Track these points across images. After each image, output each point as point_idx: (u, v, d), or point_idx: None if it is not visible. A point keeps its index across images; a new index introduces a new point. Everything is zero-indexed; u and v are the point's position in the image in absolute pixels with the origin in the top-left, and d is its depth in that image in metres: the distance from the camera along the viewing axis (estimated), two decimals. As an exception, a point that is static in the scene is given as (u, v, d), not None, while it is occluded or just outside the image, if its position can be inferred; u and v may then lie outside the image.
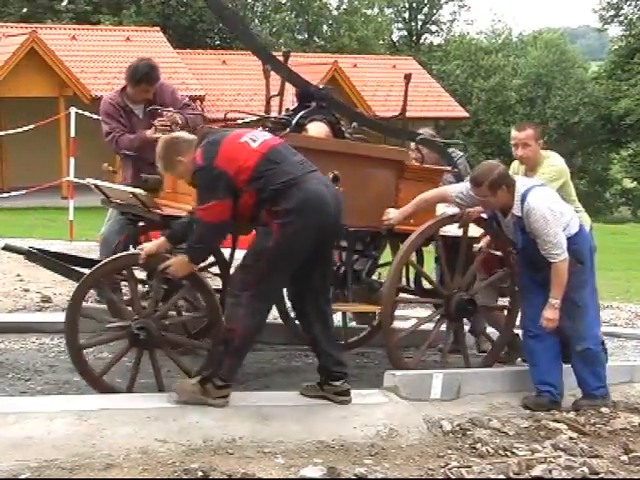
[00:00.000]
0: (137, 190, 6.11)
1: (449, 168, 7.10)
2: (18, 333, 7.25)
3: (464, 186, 6.28)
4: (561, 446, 5.38)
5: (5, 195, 21.73)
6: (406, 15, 55.93)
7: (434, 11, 56.18)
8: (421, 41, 55.99)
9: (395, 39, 55.97)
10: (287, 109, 6.67)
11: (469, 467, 4.97)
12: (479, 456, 5.22)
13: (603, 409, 6.16)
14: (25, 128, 19.63)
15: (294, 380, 6.53)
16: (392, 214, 6.41)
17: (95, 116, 15.02)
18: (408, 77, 7.02)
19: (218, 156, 5.27)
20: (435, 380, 6.07)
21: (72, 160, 14.33)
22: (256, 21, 47.15)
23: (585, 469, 4.97)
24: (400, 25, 56.65)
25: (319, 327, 5.61)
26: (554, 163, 6.79)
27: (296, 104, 6.66)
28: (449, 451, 5.29)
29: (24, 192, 19.76)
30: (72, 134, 15.54)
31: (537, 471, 4.94)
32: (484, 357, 6.86)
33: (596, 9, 52.30)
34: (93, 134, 12.50)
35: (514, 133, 6.79)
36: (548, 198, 6.06)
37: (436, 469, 4.96)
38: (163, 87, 7.42)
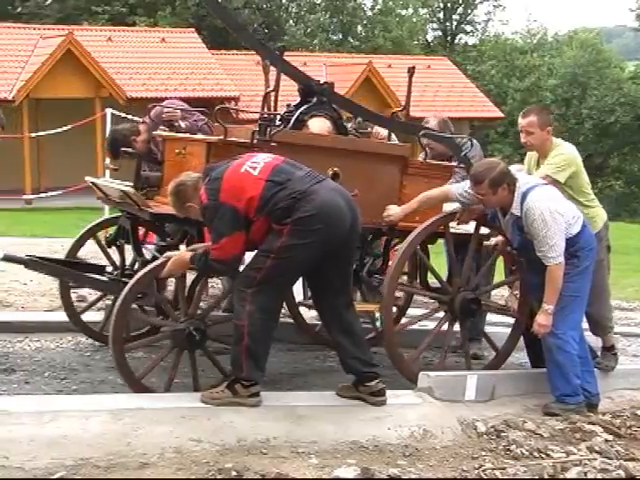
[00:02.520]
0: (128, 188, 6.13)
1: (455, 163, 6.92)
2: (54, 332, 7.30)
3: (467, 184, 6.18)
4: (596, 448, 5.34)
5: (42, 195, 21.97)
6: (441, 15, 55.72)
7: (469, 11, 55.93)
8: (456, 41, 55.75)
9: (429, 39, 55.76)
10: (288, 105, 6.58)
11: (503, 469, 4.95)
12: (513, 458, 5.19)
13: (578, 417, 5.95)
14: (62, 129, 19.81)
15: (328, 380, 6.54)
16: (393, 211, 6.34)
17: (130, 116, 15.13)
18: (411, 70, 6.87)
19: (222, 191, 5.22)
20: (469, 381, 6.05)
21: (108, 160, 14.40)
22: (290, 22, 47.19)
23: (621, 472, 4.93)
24: (435, 25, 56.45)
25: (339, 329, 5.57)
26: (562, 152, 6.53)
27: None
28: (483, 453, 5.27)
29: (60, 192, 19.96)
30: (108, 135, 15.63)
31: (572, 473, 4.91)
32: (488, 363, 6.77)
33: (633, 8, 51.91)
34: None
35: (519, 119, 6.61)
36: (549, 198, 5.93)
37: (470, 470, 4.93)
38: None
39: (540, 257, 5.90)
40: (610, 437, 5.65)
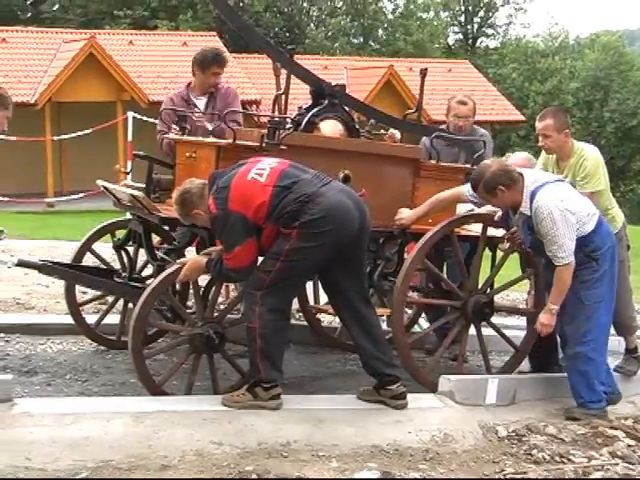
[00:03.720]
0: (136, 192, 6.14)
1: (468, 165, 6.77)
2: (76, 335, 7.33)
3: None
4: (619, 453, 5.31)
5: (64, 198, 22.07)
6: (462, 18, 55.62)
7: (490, 14, 55.78)
8: (477, 44, 55.61)
9: (451, 42, 55.67)
10: (300, 107, 6.55)
11: (524, 473, 4.94)
12: (535, 462, 5.17)
13: (600, 422, 5.88)
14: (84, 132, 19.90)
15: (349, 384, 6.53)
16: (405, 214, 6.29)
17: (152, 120, 15.19)
18: (424, 72, 6.84)
19: (230, 200, 5.21)
20: (490, 385, 6.02)
21: (129, 164, 14.50)
22: (311, 25, 47.23)
23: (643, 477, 4.91)
24: (456, 29, 56.35)
25: (360, 331, 5.56)
26: (586, 157, 6.42)
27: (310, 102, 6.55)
28: (504, 457, 5.25)
29: (82, 195, 20.05)
30: (129, 138, 15.70)
31: (594, 478, 4.89)
32: (504, 365, 6.72)
33: (656, 11, 51.63)
34: (150, 138, 12.63)
35: (536, 123, 6.50)
36: (558, 197, 5.76)
37: (491, 475, 4.92)
38: (228, 90, 7.45)
39: (550, 257, 5.81)
40: (632, 442, 5.61)
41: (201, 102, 7.32)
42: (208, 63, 7.24)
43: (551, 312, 5.90)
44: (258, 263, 5.34)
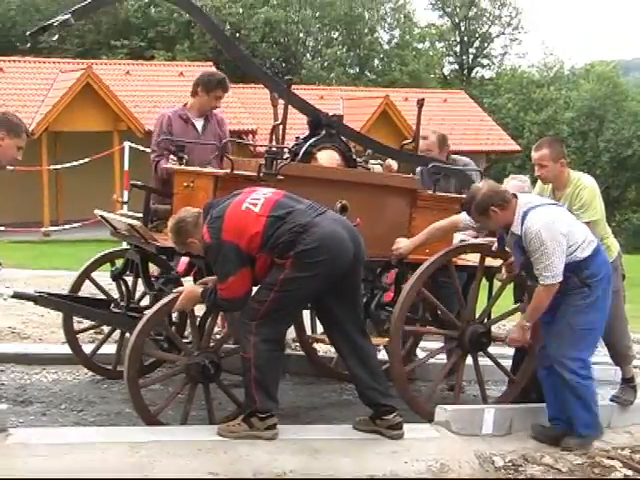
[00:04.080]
0: (134, 221, 6.15)
1: (464, 196, 6.60)
2: (71, 364, 7.31)
3: None
4: (615, 484, 5.30)
5: (61, 228, 22.08)
6: (457, 49, 55.98)
7: (485, 45, 56.16)
8: (472, 75, 55.95)
9: (446, 73, 56.00)
10: (297, 137, 6.57)
11: (522, 504, 4.92)
12: (532, 493, 5.15)
13: (597, 451, 5.87)
14: (80, 162, 19.95)
15: (345, 414, 6.52)
16: (402, 243, 6.29)
17: (149, 150, 15.24)
18: (420, 102, 6.84)
19: (224, 230, 5.23)
20: (487, 415, 6.01)
21: (126, 193, 14.53)
22: (308, 55, 47.49)
23: (640, 507, 4.89)
24: (451, 59, 56.70)
25: (356, 360, 5.54)
26: (582, 186, 6.42)
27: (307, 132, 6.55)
28: (500, 486, 5.23)
29: (79, 225, 20.06)
30: (126, 167, 15.75)
31: (591, 509, 4.88)
32: (501, 395, 6.70)
33: (650, 41, 51.93)
34: (147, 167, 12.65)
35: (532, 153, 6.52)
36: (550, 218, 5.74)
37: (488, 506, 4.90)
38: (223, 118, 7.48)
39: (536, 275, 5.77)
40: (630, 473, 5.60)
41: (199, 124, 7.33)
42: (214, 86, 7.24)
43: (523, 328, 5.92)
44: (252, 293, 5.35)
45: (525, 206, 5.80)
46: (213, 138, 7.19)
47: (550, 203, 6.02)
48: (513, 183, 6.83)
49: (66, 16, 5.99)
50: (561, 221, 5.79)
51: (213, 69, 7.26)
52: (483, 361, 6.57)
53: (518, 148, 36.49)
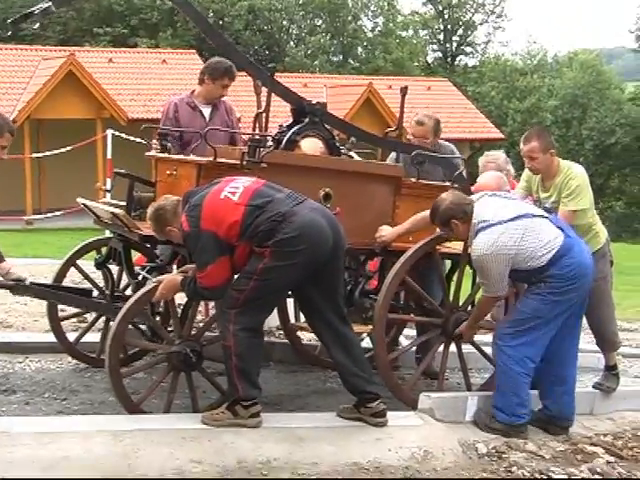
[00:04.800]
0: (117, 210, 6.14)
1: (448, 183, 6.69)
2: (54, 353, 7.29)
3: None
4: (598, 470, 5.33)
5: (43, 216, 22.01)
6: (441, 37, 56.00)
7: (469, 33, 56.21)
8: (456, 63, 55.99)
9: (430, 61, 56.01)
10: (280, 126, 6.54)
11: (505, 490, 4.94)
12: None
13: (579, 438, 5.88)
14: (63, 150, 19.87)
15: (329, 402, 6.53)
16: (385, 232, 6.30)
17: (132, 138, 15.18)
18: (404, 90, 6.83)
19: (203, 218, 5.22)
20: (470, 402, 6.03)
21: (109, 181, 14.48)
22: (291, 43, 47.41)
23: (622, 494, 4.92)
24: (435, 47, 56.75)
25: (339, 348, 5.56)
26: (571, 176, 6.41)
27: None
28: (484, 474, 5.25)
29: (62, 213, 20.00)
30: (109, 155, 15.70)
31: (574, 495, 4.90)
32: (485, 382, 6.70)
33: (632, 29, 52.16)
34: (130, 155, 12.61)
35: (521, 145, 6.49)
36: (497, 242, 5.64)
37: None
38: (232, 107, 7.45)
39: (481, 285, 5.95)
40: (612, 459, 5.64)
41: (207, 111, 7.31)
42: (220, 74, 7.23)
43: (470, 328, 6.19)
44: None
45: (478, 225, 5.78)
46: (221, 126, 7.14)
47: (514, 216, 5.79)
48: (486, 178, 6.82)
49: (47, 4, 5.96)
50: (510, 238, 5.69)
51: (220, 57, 7.14)
52: (467, 349, 6.59)
53: (502, 136, 36.57)
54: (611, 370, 6.84)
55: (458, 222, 5.84)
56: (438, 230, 6.35)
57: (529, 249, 5.73)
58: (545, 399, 6.09)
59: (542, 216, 5.93)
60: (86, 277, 7.12)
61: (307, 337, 7.89)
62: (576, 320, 6.05)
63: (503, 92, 49.06)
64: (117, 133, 16.68)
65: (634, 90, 51.37)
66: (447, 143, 7.53)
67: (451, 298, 6.39)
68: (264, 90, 6.58)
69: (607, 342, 6.78)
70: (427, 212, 6.23)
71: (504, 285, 5.83)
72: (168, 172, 6.25)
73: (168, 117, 7.23)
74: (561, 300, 5.81)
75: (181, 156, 6.55)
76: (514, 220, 5.76)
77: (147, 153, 6.79)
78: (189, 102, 7.28)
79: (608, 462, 5.55)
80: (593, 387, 6.77)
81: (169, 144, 6.67)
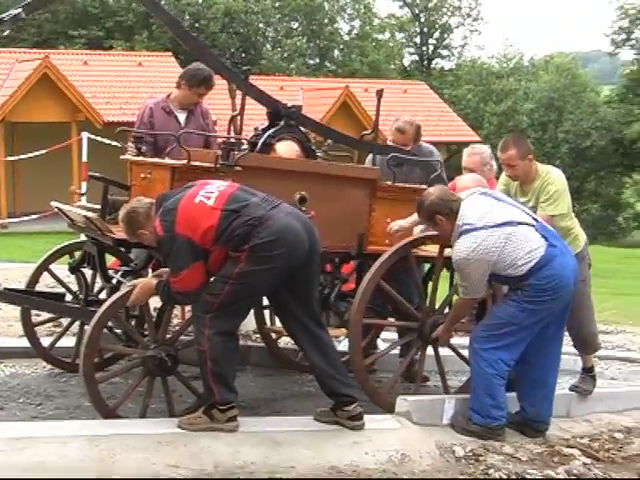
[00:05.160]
0: (90, 214, 6.12)
1: (425, 186, 6.60)
2: (29, 358, 7.25)
3: None
4: (575, 472, 5.36)
5: (18, 219, 21.87)
6: (417, 40, 56.10)
7: (445, 36, 56.33)
8: (432, 66, 56.12)
9: (406, 64, 56.11)
10: (256, 129, 6.54)
11: (482, 493, 4.95)
12: (492, 482, 5.19)
13: (556, 440, 5.90)
14: (37, 153, 19.75)
15: (306, 405, 6.52)
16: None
17: (107, 141, 15.11)
18: (380, 93, 6.83)
19: (177, 223, 5.20)
20: (447, 405, 6.04)
21: (84, 185, 14.41)
22: (267, 46, 47.37)
23: (599, 495, 4.94)
24: (411, 50, 56.82)
25: (315, 351, 5.56)
26: (550, 181, 6.41)
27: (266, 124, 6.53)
28: (461, 477, 5.26)
29: (37, 217, 19.88)
30: (84, 159, 15.62)
31: (551, 497, 4.92)
32: (462, 385, 6.71)
33: (607, 33, 52.40)
34: (106, 159, 12.54)
35: (498, 153, 6.49)
36: (478, 247, 5.65)
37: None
38: (208, 112, 7.43)
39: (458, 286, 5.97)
40: (588, 460, 5.66)
41: (182, 116, 7.28)
42: (198, 82, 7.19)
43: (445, 331, 6.20)
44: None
45: (462, 226, 5.77)
46: (196, 130, 7.11)
47: (489, 225, 5.75)
48: (466, 180, 6.83)
49: (17, 10, 5.94)
50: (493, 244, 5.69)
51: (201, 64, 7.07)
52: (444, 351, 6.60)
53: (478, 139, 36.57)
54: (588, 372, 6.87)
55: (443, 218, 5.83)
56: (417, 230, 6.37)
57: (510, 257, 5.73)
58: (523, 401, 6.11)
59: (528, 224, 5.88)
60: (59, 281, 7.08)
61: (284, 341, 7.88)
62: (559, 326, 6.06)
63: (479, 95, 49.22)
64: (92, 136, 16.58)
65: (609, 93, 51.74)
66: (426, 144, 7.55)
67: (427, 301, 6.41)
68: (239, 93, 6.56)
69: (587, 344, 6.80)
70: None
71: (482, 288, 5.85)
72: (142, 175, 6.24)
73: (143, 122, 7.20)
74: (538, 309, 5.81)
75: (155, 159, 6.53)
76: (499, 226, 5.75)
77: (122, 156, 6.77)
78: (164, 107, 7.25)
79: (585, 464, 5.57)
80: (570, 389, 6.80)
81: (144, 147, 6.65)
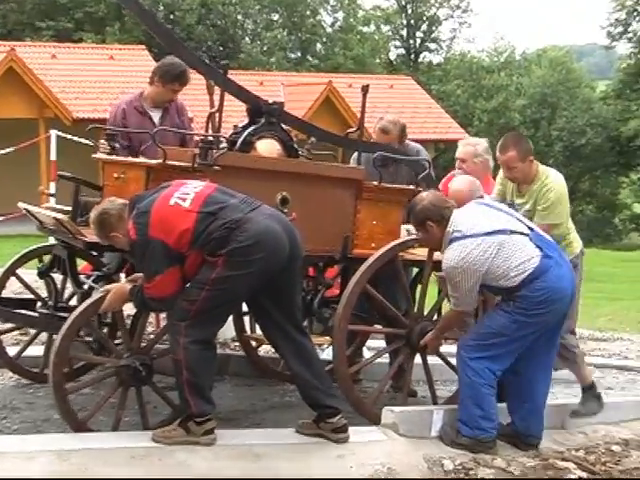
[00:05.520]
0: (60, 215, 6.10)
1: (412, 187, 6.67)
2: (-6, 368, 7.23)
3: None
4: (569, 486, 5.36)
5: (-18, 222, 21.77)
6: (404, 33, 56.23)
7: (433, 28, 56.49)
8: (420, 60, 56.25)
9: (392, 58, 56.25)
10: (235, 126, 6.52)
11: (472, 509, 4.95)
12: (483, 497, 5.20)
13: (550, 453, 5.90)
14: (3, 151, 19.66)
15: (287, 417, 6.51)
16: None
17: (77, 138, 15.06)
18: (365, 89, 6.81)
19: (150, 226, 5.17)
20: (436, 417, 6.04)
21: (53, 185, 14.34)
22: (246, 39, 47.37)
23: (595, 511, 4.95)
24: (397, 43, 56.98)
25: (297, 360, 5.56)
26: (549, 187, 6.42)
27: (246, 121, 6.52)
28: (451, 492, 5.27)
29: (2, 219, 19.78)
30: (53, 157, 15.55)
31: (544, 513, 4.92)
32: (451, 395, 6.70)
33: (604, 26, 52.51)
34: (76, 157, 12.52)
35: (497, 154, 6.50)
36: (468, 256, 5.65)
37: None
38: (184, 108, 7.41)
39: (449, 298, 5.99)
40: (584, 474, 5.66)
41: (156, 115, 7.23)
42: (171, 78, 7.11)
43: (433, 336, 6.20)
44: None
45: (452, 234, 5.77)
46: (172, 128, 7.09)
47: (478, 233, 5.75)
48: (459, 183, 6.82)
49: None
50: (483, 253, 5.69)
51: (175, 58, 6.99)
52: (432, 360, 6.61)
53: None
54: (590, 391, 6.73)
55: (433, 224, 5.83)
56: (403, 232, 6.38)
57: (502, 267, 5.73)
58: (513, 414, 6.11)
59: (522, 233, 5.85)
60: (27, 287, 7.06)
61: (264, 349, 7.88)
62: (550, 338, 6.03)
63: (469, 91, 49.37)
64: (61, 134, 16.50)
65: (605, 89, 51.94)
66: (414, 144, 7.57)
67: (415, 307, 6.42)
68: (217, 89, 6.55)
69: (562, 357, 6.64)
70: None
71: (473, 300, 5.86)
72: (116, 175, 6.21)
73: (115, 124, 7.16)
74: (529, 322, 5.81)
75: (129, 158, 6.51)
76: (490, 234, 5.74)
77: (94, 155, 6.75)
78: (137, 106, 7.21)
79: (580, 478, 5.58)
80: (570, 416, 6.65)
81: (117, 144, 6.63)
